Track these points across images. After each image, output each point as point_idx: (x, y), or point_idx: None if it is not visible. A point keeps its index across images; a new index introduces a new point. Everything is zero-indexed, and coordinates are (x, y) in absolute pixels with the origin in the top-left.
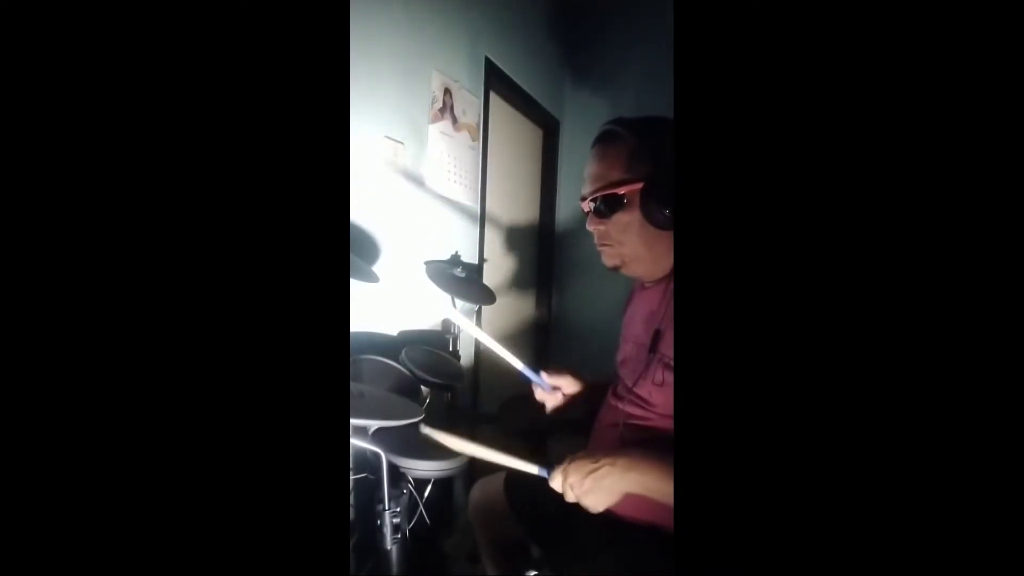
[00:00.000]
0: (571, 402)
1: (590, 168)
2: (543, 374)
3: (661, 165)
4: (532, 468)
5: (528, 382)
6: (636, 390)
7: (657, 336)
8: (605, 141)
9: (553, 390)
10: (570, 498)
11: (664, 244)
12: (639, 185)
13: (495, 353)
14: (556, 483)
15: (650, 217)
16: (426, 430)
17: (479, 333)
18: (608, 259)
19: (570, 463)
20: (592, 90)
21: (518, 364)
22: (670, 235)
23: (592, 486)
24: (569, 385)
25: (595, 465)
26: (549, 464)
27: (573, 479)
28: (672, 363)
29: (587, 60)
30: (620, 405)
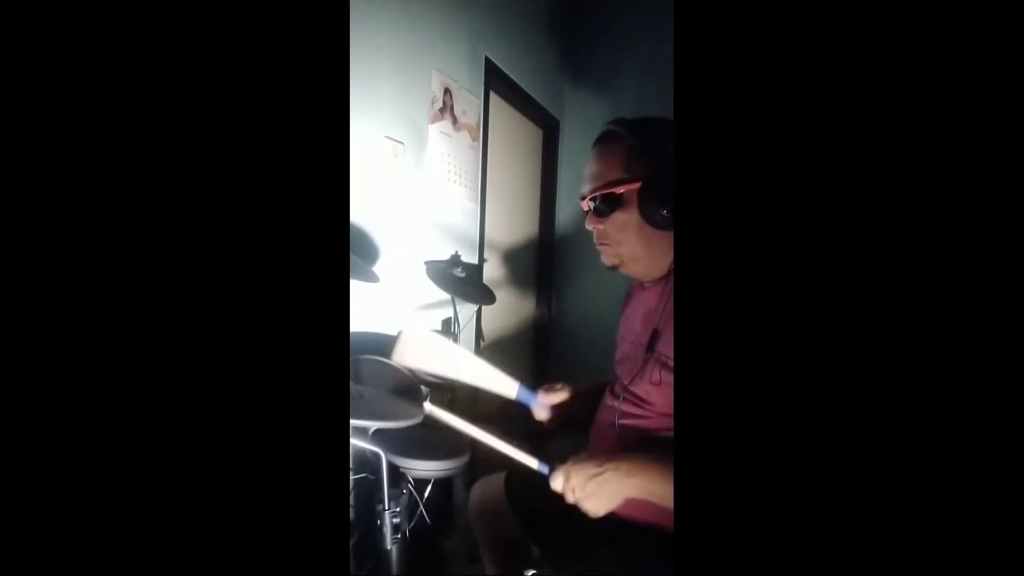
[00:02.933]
0: (563, 408)
1: (590, 167)
2: (540, 394)
3: (660, 165)
4: (533, 462)
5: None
6: (633, 389)
7: (655, 336)
8: (605, 141)
9: (550, 408)
10: (570, 499)
11: (662, 244)
12: (637, 185)
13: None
14: (557, 484)
15: (648, 217)
16: (429, 407)
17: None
18: (607, 258)
19: (573, 465)
20: (592, 90)
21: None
22: (668, 235)
23: (595, 490)
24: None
25: (598, 470)
26: (550, 461)
27: (575, 482)
28: (669, 362)
29: (587, 60)
30: (617, 404)
